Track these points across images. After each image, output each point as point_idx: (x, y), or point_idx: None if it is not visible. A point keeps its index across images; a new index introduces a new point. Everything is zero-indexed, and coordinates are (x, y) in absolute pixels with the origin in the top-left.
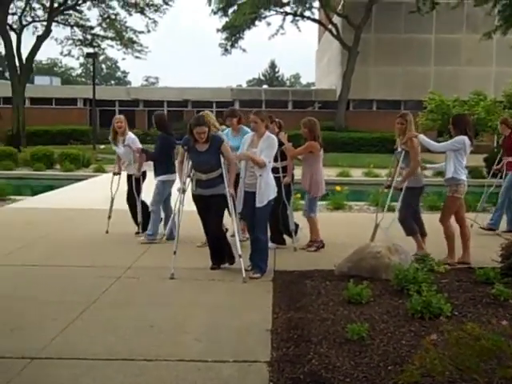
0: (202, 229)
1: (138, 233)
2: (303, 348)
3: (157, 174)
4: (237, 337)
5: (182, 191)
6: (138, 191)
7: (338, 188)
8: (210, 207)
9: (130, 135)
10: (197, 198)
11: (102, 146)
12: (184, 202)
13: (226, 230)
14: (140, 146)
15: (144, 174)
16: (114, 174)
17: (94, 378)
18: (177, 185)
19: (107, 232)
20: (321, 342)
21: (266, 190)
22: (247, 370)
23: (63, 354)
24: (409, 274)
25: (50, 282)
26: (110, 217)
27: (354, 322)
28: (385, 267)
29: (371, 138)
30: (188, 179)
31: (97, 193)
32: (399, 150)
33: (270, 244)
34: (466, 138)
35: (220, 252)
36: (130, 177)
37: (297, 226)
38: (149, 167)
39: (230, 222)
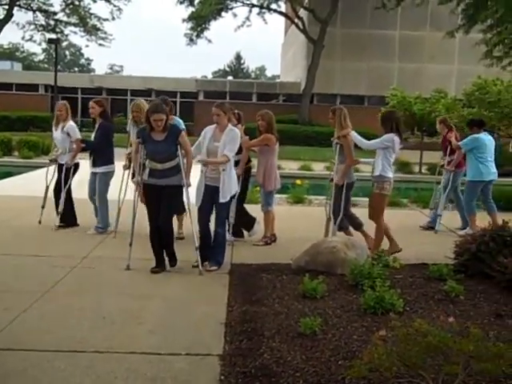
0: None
1: (60, 226)
2: (256, 342)
3: (97, 164)
4: (191, 329)
5: (138, 183)
6: (66, 181)
7: (298, 182)
8: (161, 198)
9: (71, 123)
10: (149, 188)
11: None
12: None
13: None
14: (79, 136)
15: (77, 165)
16: (51, 161)
17: (43, 370)
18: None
19: (40, 222)
20: (273, 335)
21: (229, 185)
22: (199, 364)
23: (12, 345)
24: (364, 270)
25: (3, 270)
26: (43, 206)
27: (307, 316)
28: (341, 262)
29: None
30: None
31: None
32: (334, 142)
33: (228, 237)
34: (394, 136)
35: (166, 248)
36: (61, 166)
37: (254, 219)
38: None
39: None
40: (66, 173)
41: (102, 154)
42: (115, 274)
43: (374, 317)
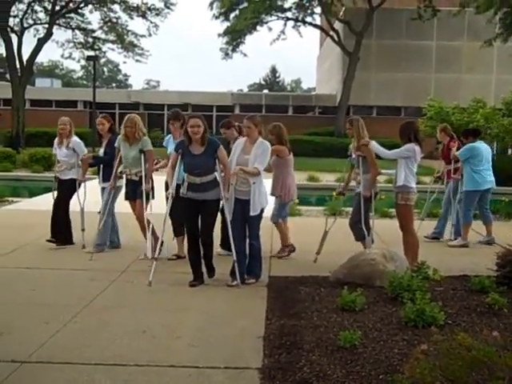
0: (187, 235)
1: (49, 241)
2: (295, 355)
3: (108, 179)
4: (229, 343)
5: (172, 196)
6: (70, 197)
7: (334, 193)
8: (199, 213)
9: (75, 139)
10: (187, 202)
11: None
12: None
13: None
14: (86, 151)
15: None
16: (56, 178)
17: (83, 383)
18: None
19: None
20: (313, 349)
21: (260, 198)
22: (238, 377)
23: (54, 358)
24: (403, 282)
25: (44, 284)
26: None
27: (346, 329)
28: (379, 274)
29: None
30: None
31: (93, 195)
32: (354, 155)
33: (222, 251)
34: (415, 146)
35: (205, 260)
36: (63, 182)
37: None
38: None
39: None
40: (74, 189)
41: (111, 169)
42: (154, 287)
43: (414, 330)
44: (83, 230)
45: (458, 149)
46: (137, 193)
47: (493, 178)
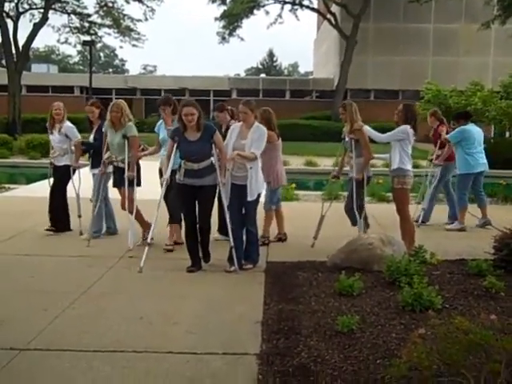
0: (184, 221)
1: (49, 229)
2: (293, 340)
3: (98, 165)
4: (227, 328)
5: (166, 183)
6: (66, 183)
7: (330, 177)
8: (197, 198)
9: (68, 124)
10: (185, 188)
11: None
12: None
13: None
14: (79, 136)
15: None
16: (51, 164)
17: (81, 370)
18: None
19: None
20: (311, 334)
21: (257, 184)
22: (236, 363)
23: (52, 346)
24: (401, 266)
25: (42, 271)
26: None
27: (344, 314)
28: (377, 259)
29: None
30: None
31: (88, 181)
32: (347, 139)
33: (219, 236)
34: (408, 128)
35: (202, 246)
36: (58, 168)
37: None
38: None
39: None
40: (69, 175)
41: (100, 155)
42: (151, 273)
43: (412, 314)
44: (80, 216)
45: (447, 133)
46: (123, 180)
47: (485, 161)
